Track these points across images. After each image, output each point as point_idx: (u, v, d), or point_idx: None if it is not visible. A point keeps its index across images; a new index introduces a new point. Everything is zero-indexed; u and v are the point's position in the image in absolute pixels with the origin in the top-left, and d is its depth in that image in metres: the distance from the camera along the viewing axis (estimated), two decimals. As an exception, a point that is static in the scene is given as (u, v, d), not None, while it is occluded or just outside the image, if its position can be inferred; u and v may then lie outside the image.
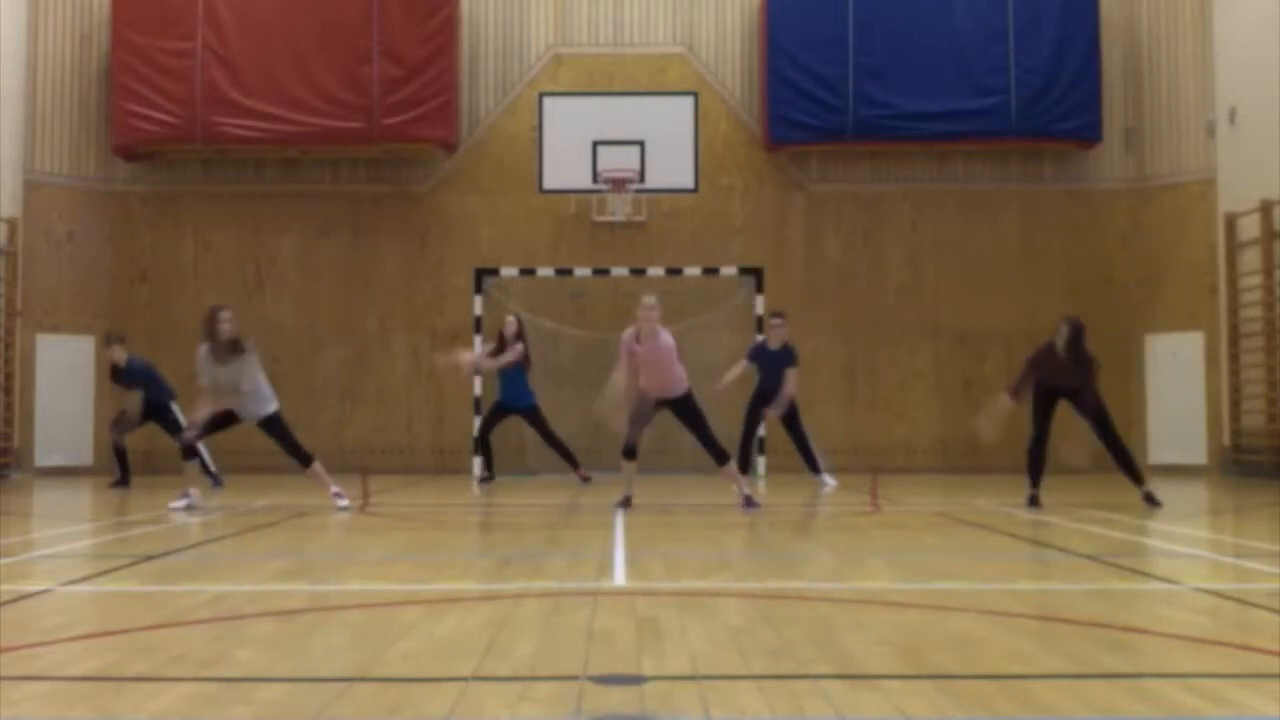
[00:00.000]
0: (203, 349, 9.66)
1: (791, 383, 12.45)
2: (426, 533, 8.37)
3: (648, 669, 3.46)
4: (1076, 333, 9.75)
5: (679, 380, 9.69)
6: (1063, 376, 9.77)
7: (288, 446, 9.90)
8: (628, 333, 9.72)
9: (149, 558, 6.36)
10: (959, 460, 16.28)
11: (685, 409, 9.74)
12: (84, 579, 5.58)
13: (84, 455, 15.86)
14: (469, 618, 4.43)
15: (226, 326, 9.62)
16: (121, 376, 12.70)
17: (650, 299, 9.68)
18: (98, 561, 6.47)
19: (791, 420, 12.69)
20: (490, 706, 3.06)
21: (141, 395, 12.52)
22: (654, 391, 9.69)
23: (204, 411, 9.81)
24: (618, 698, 3.12)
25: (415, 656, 3.67)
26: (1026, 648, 3.82)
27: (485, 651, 3.71)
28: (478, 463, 15.49)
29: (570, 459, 13.52)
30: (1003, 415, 10.07)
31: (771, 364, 12.55)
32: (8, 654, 3.68)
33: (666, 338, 9.64)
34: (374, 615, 4.48)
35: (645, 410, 9.79)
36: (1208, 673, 3.44)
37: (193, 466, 10.14)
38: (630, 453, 9.86)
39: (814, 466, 12.76)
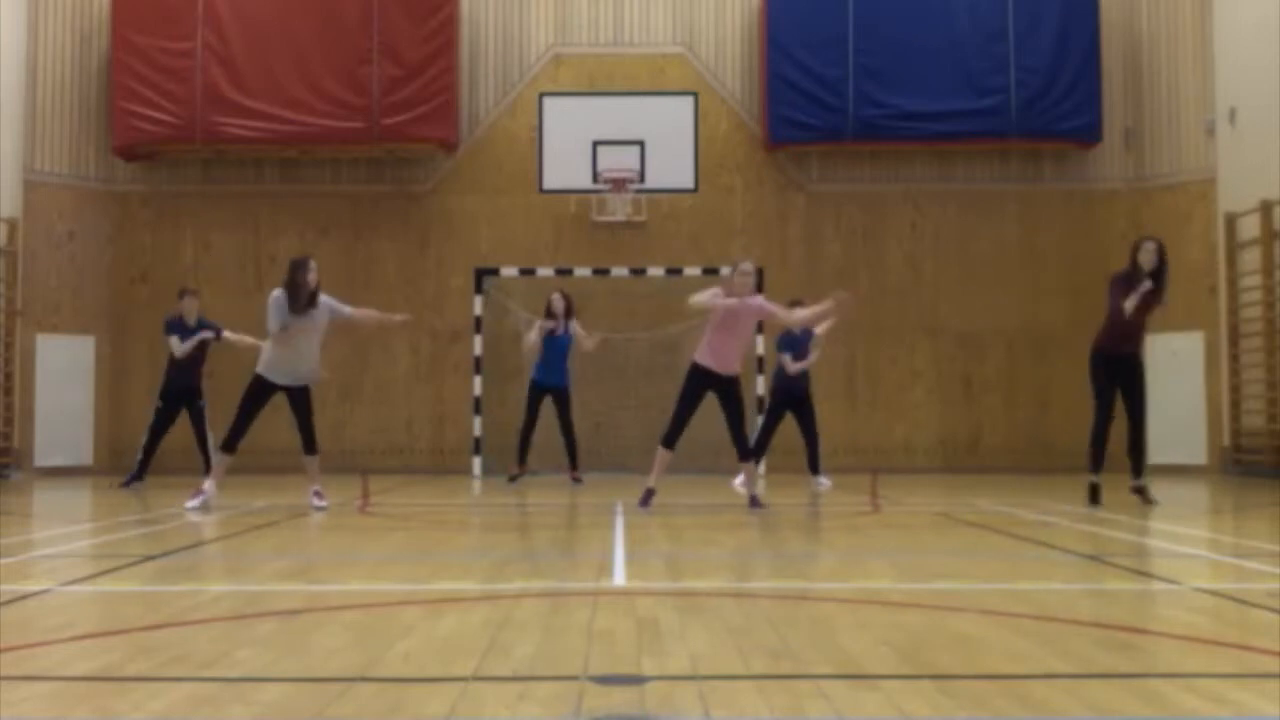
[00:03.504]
0: (279, 294, 9.46)
1: (815, 352, 12.47)
2: (426, 533, 8.36)
3: (648, 669, 3.45)
4: (1163, 251, 9.47)
5: (740, 363, 9.54)
6: (1147, 308, 9.46)
7: (308, 425, 9.81)
8: (718, 291, 9.41)
9: (149, 558, 6.35)
10: (959, 460, 16.30)
11: (734, 393, 9.52)
12: (84, 579, 5.58)
13: (84, 455, 15.87)
14: (469, 618, 4.42)
15: (312, 277, 9.47)
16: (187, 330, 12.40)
17: (748, 265, 9.46)
18: (98, 561, 6.47)
19: (806, 413, 12.61)
20: (490, 706, 3.06)
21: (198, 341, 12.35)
22: (725, 367, 9.41)
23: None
24: (618, 698, 3.12)
25: (415, 656, 3.67)
26: (1026, 648, 3.82)
27: (485, 651, 3.71)
28: (477, 462, 15.48)
29: (574, 457, 13.39)
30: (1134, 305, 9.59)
31: (801, 346, 12.52)
32: (8, 654, 3.68)
33: (761, 303, 9.47)
34: (374, 615, 4.48)
35: (698, 393, 9.53)
36: (1208, 673, 3.44)
37: (224, 459, 9.87)
38: (671, 441, 9.59)
39: (815, 466, 12.74)
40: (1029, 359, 16.46)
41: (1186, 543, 7.33)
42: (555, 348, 13.21)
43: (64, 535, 7.96)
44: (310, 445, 9.89)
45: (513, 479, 13.33)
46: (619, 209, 16.11)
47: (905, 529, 8.29)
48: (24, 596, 4.92)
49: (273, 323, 9.49)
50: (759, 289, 15.81)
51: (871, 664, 3.54)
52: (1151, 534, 7.99)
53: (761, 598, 4.88)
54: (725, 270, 16.18)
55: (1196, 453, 15.73)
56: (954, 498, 11.10)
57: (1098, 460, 9.83)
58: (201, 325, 12.45)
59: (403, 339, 16.50)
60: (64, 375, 15.77)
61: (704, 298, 9.47)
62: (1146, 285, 9.44)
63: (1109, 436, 9.78)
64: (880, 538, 7.71)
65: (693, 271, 16.09)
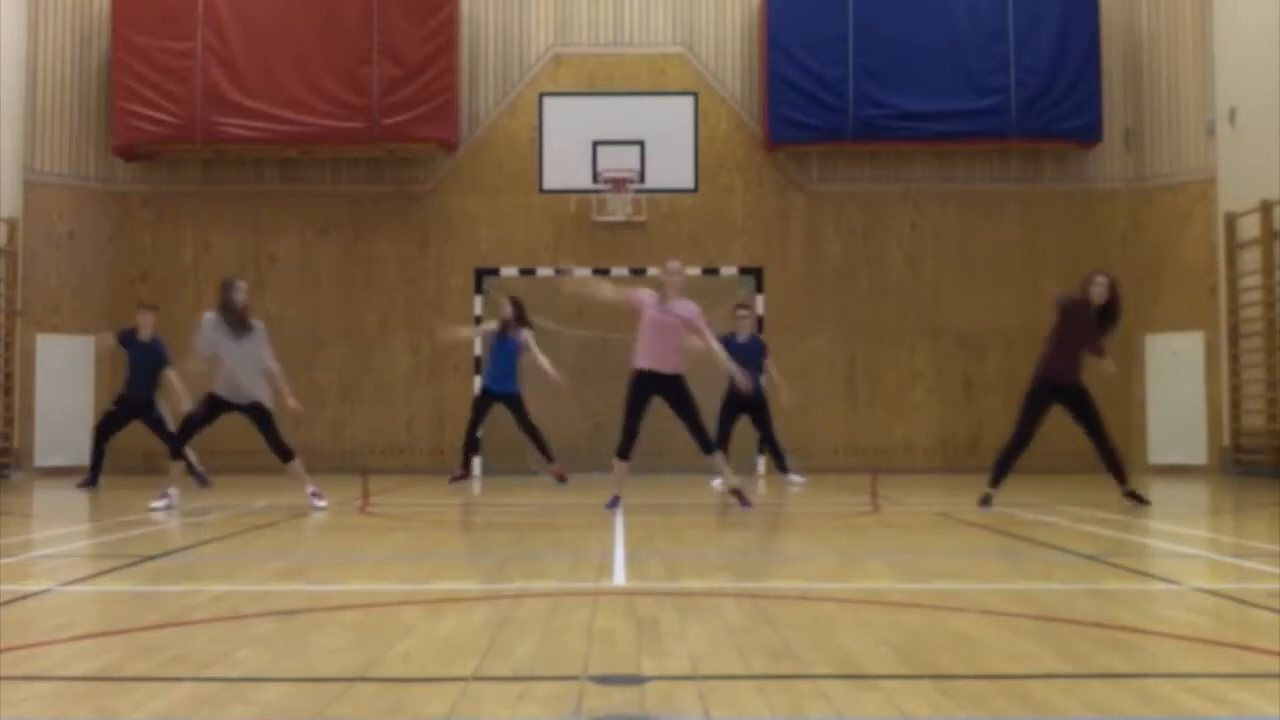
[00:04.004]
0: (211, 317, 9.59)
1: (777, 372, 12.55)
2: (426, 533, 8.36)
3: (648, 669, 3.45)
4: (1114, 287, 9.46)
5: (679, 360, 9.46)
6: (1081, 339, 9.43)
7: (274, 440, 9.83)
8: (648, 293, 9.55)
9: (149, 558, 6.35)
10: (959, 460, 16.29)
11: (681, 392, 9.47)
12: (84, 579, 5.58)
13: (84, 455, 15.72)
14: (469, 618, 4.42)
15: (241, 296, 9.57)
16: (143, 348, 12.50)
17: (675, 263, 9.57)
18: (98, 561, 6.47)
19: (760, 416, 12.61)
20: (490, 706, 3.06)
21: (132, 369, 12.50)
22: (651, 364, 9.40)
23: (189, 401, 9.96)
24: (618, 698, 3.12)
25: (415, 656, 3.67)
26: (1026, 648, 3.82)
27: (485, 651, 3.71)
28: (477, 462, 15.47)
29: (545, 452, 13.16)
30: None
31: (742, 356, 12.50)
32: (8, 654, 3.68)
33: (691, 307, 9.47)
34: (374, 615, 4.48)
35: (642, 398, 9.51)
36: (1208, 673, 3.44)
37: (178, 466, 10.04)
38: (625, 453, 9.60)
39: (781, 465, 12.76)
40: (1029, 359, 16.11)
41: (1186, 543, 7.33)
42: (503, 353, 12.91)
43: (64, 535, 7.96)
44: (284, 455, 9.88)
45: (455, 480, 13.14)
46: (619, 209, 16.11)
47: (905, 529, 8.29)
48: (24, 596, 4.91)
49: (201, 345, 9.61)
50: (759, 289, 16.11)
51: (871, 664, 3.54)
52: (1151, 534, 7.99)
53: (761, 598, 4.88)
54: (725, 270, 16.28)
55: (1196, 453, 15.72)
56: (954, 498, 11.09)
57: (999, 476, 9.74)
58: (154, 345, 12.49)
59: (403, 339, 16.51)
60: (64, 375, 15.76)
61: (612, 293, 9.69)
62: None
63: (1016, 461, 9.73)
64: (880, 538, 7.71)
65: (693, 271, 16.03)
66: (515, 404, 13.05)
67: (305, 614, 4.49)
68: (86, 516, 9.84)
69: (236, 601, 4.81)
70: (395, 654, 3.70)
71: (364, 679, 3.35)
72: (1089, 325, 9.50)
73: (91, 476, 12.75)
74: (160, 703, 3.10)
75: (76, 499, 11.67)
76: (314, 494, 9.76)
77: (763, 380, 12.59)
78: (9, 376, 15.14)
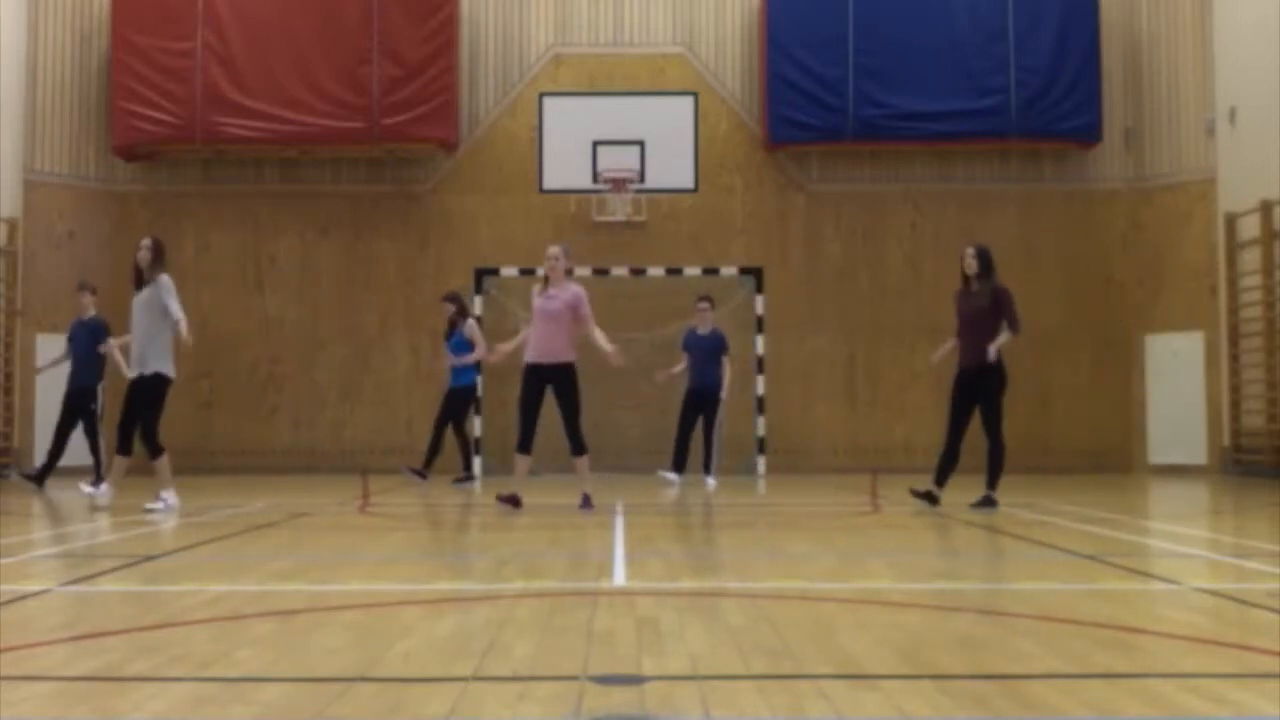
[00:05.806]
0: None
1: (729, 370, 12.74)
2: (426, 533, 8.36)
3: (648, 669, 3.45)
4: (983, 256, 9.40)
5: (567, 348, 9.28)
6: (973, 316, 9.38)
7: (124, 420, 9.42)
8: (536, 288, 9.53)
9: (149, 558, 6.35)
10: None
11: (565, 383, 9.24)
12: (84, 579, 5.58)
13: (84, 455, 15.78)
14: (469, 618, 4.42)
15: (142, 254, 9.44)
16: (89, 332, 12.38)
17: (554, 248, 9.45)
18: (97, 561, 6.46)
19: (711, 410, 12.74)
20: (490, 706, 3.06)
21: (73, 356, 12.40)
22: (536, 356, 9.26)
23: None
24: (618, 698, 3.12)
25: (415, 656, 3.67)
26: (1026, 648, 3.82)
27: (485, 651, 3.71)
28: (477, 462, 15.46)
29: (430, 459, 13.08)
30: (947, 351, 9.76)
31: (703, 348, 12.73)
32: (8, 654, 3.68)
33: (574, 291, 9.32)
34: (374, 615, 4.48)
35: (531, 391, 9.29)
36: (1208, 673, 3.44)
37: (163, 464, 9.65)
38: (523, 447, 9.35)
39: (707, 465, 12.82)
40: (1029, 359, 16.39)
41: (1186, 543, 7.33)
42: (454, 348, 13.09)
43: (64, 535, 7.95)
44: (122, 442, 9.50)
45: (458, 481, 13.08)
46: (619, 209, 16.11)
47: (905, 529, 8.29)
48: (24, 596, 4.91)
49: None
50: (759, 289, 16.10)
51: (871, 664, 3.54)
52: (1151, 534, 7.99)
53: (761, 598, 4.87)
54: (725, 270, 16.27)
55: (1196, 453, 15.73)
56: (954, 498, 11.09)
57: (940, 477, 9.64)
58: (91, 324, 12.43)
59: (403, 339, 16.51)
60: (63, 375, 15.70)
61: (524, 333, 9.75)
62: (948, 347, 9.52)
63: (956, 459, 9.56)
64: (880, 538, 7.71)
65: (693, 271, 16.10)
66: (452, 396, 13.09)
67: (305, 614, 4.48)
68: (85, 517, 9.83)
69: (236, 601, 4.80)
70: (395, 654, 3.70)
71: (364, 679, 3.35)
72: (971, 304, 9.48)
73: (41, 473, 12.54)
74: (160, 703, 3.10)
75: (76, 499, 11.66)
76: (163, 497, 9.46)
77: (724, 375, 12.80)
78: (9, 376, 15.14)
